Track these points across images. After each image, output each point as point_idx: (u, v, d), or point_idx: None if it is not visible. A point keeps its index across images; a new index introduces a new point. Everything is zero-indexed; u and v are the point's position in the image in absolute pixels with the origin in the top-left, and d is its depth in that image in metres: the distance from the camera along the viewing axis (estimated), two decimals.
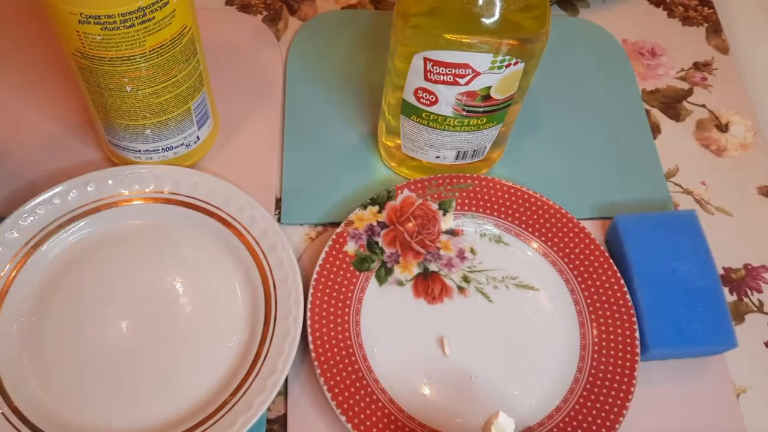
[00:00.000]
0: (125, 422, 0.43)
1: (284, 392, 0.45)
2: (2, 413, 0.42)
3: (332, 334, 0.45)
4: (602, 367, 0.45)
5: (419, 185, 0.51)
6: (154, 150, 0.49)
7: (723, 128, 0.59)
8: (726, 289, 0.51)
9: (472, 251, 0.50)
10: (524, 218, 0.50)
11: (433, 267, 0.49)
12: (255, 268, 0.47)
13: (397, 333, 0.47)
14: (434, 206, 0.51)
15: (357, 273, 0.48)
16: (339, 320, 0.46)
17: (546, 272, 0.49)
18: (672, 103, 0.60)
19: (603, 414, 0.44)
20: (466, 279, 0.49)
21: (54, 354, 0.44)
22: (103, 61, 0.42)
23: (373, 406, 0.43)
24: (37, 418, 0.42)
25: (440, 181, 0.51)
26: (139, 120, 0.46)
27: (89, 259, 0.48)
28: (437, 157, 0.50)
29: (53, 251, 0.47)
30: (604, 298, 0.48)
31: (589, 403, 0.44)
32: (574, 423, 0.44)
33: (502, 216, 0.51)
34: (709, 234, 0.49)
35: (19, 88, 0.56)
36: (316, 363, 0.44)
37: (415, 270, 0.49)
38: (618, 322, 0.47)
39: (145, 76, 0.43)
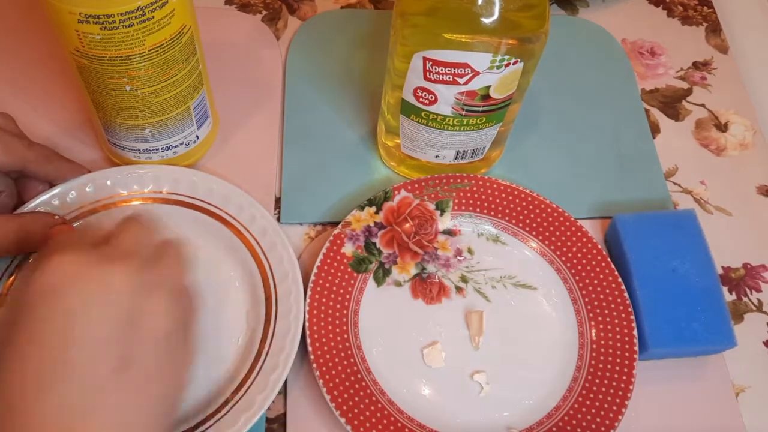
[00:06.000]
0: None
1: (283, 392, 0.45)
2: None
3: (331, 335, 0.45)
4: (601, 366, 0.45)
5: (416, 186, 0.51)
6: (153, 149, 0.49)
7: (722, 128, 0.59)
8: (725, 289, 0.51)
9: (470, 251, 0.50)
10: (521, 217, 0.50)
11: (430, 267, 0.49)
12: (255, 266, 0.47)
13: (395, 334, 0.47)
14: (431, 206, 0.51)
15: (355, 274, 0.48)
16: (337, 322, 0.46)
17: (544, 272, 0.49)
18: (671, 103, 0.60)
19: (602, 413, 0.44)
20: (464, 279, 0.49)
21: None
22: (102, 61, 0.42)
23: (372, 407, 0.43)
24: None
25: (437, 182, 0.51)
26: (138, 119, 0.46)
27: None
28: (437, 156, 0.50)
29: None
30: (602, 297, 0.48)
31: (588, 403, 0.44)
32: (573, 422, 0.44)
33: (500, 215, 0.51)
34: (708, 233, 0.49)
35: (18, 87, 0.56)
36: (315, 365, 0.44)
37: (413, 270, 0.49)
38: (616, 321, 0.47)
39: (145, 75, 0.43)
